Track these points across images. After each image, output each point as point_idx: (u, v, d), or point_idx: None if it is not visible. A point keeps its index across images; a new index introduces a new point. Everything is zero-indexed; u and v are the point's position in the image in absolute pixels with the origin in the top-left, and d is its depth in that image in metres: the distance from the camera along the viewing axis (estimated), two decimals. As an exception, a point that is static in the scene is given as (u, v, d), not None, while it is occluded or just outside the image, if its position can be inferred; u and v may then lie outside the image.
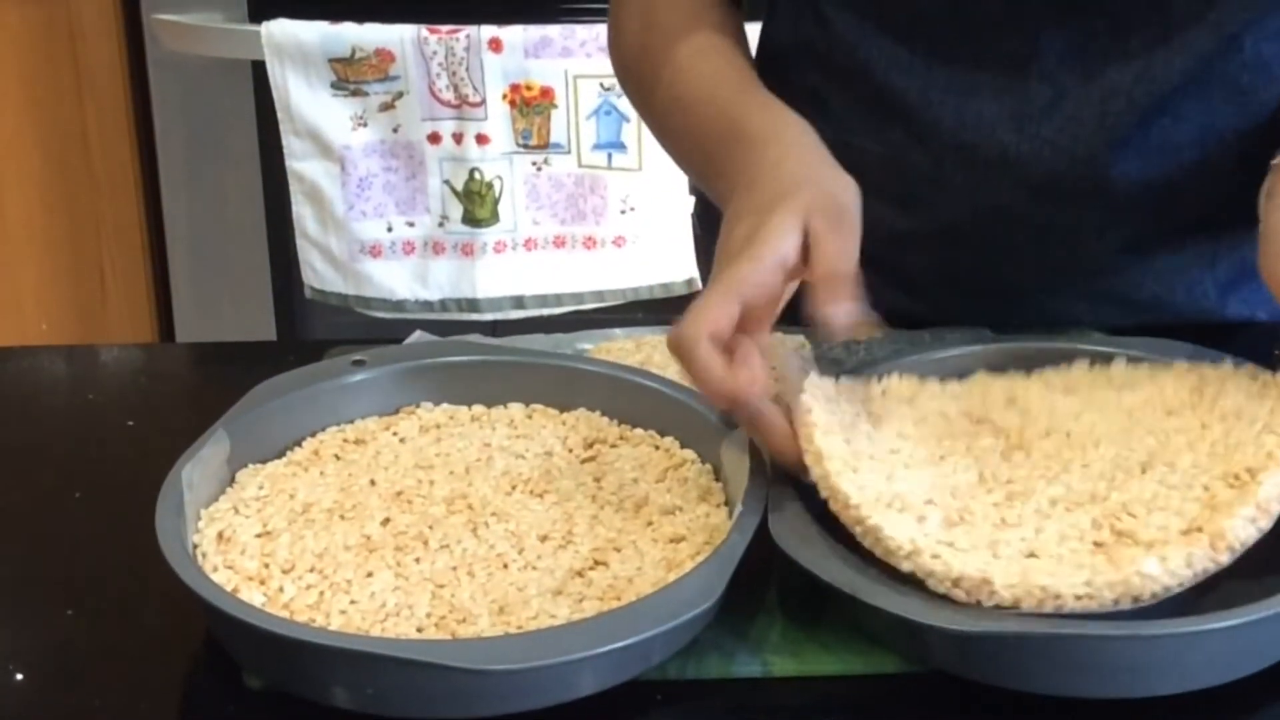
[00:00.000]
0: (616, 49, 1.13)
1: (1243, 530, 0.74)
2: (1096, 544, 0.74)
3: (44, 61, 2.18)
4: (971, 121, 1.02)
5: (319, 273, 2.01)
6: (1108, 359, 0.90)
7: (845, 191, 0.86)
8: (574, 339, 1.04)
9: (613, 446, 0.89)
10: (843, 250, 0.81)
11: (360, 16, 1.92)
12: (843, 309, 0.79)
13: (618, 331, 1.05)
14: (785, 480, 0.82)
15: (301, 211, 1.98)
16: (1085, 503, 0.78)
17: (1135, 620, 0.72)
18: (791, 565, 0.76)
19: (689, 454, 0.88)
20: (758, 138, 0.93)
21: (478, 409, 0.93)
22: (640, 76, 1.09)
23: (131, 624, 0.81)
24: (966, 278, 1.08)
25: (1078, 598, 0.71)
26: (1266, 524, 0.75)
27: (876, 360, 0.92)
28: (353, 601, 0.76)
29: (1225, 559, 0.73)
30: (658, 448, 0.89)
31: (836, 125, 1.07)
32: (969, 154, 1.02)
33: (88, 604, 0.82)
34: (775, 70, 1.12)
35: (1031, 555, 0.74)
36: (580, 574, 0.78)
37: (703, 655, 0.76)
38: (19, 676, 0.78)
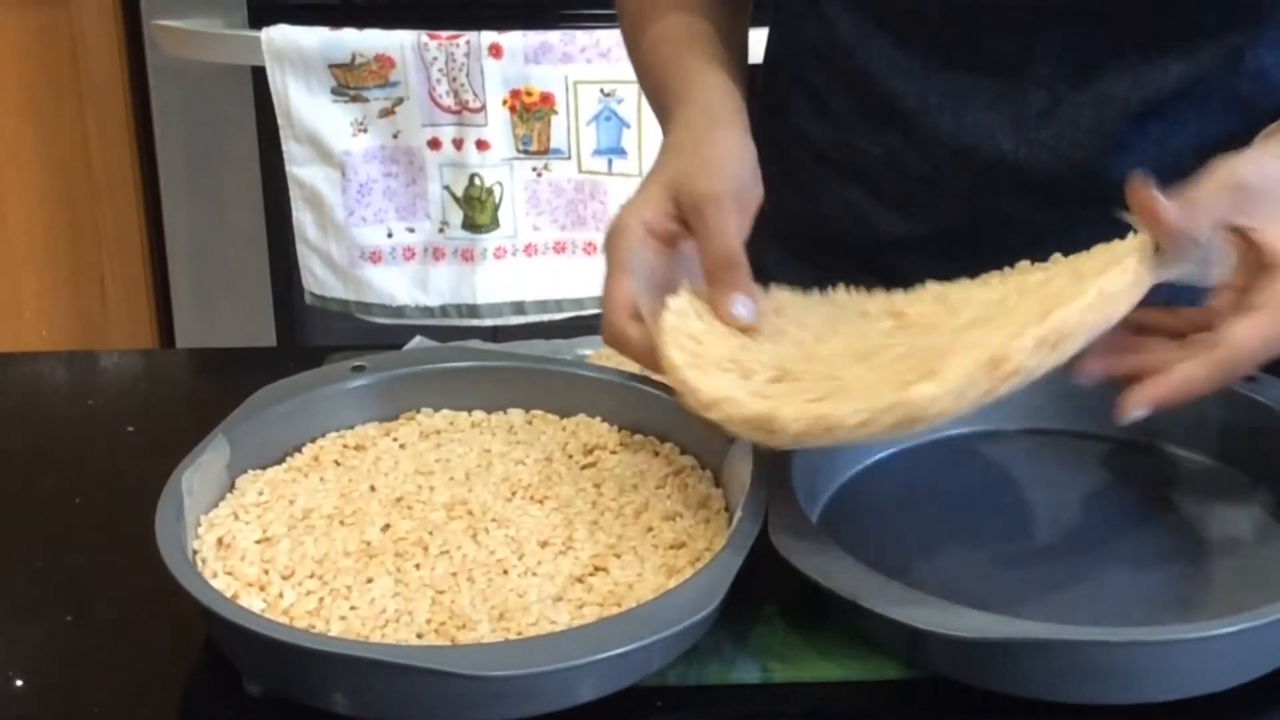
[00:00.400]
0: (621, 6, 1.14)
1: (1029, 357, 0.72)
2: (897, 379, 0.74)
3: (44, 67, 2.18)
4: (969, 126, 1.02)
5: (319, 278, 2.01)
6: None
7: (714, 179, 0.88)
8: (574, 345, 1.04)
9: (613, 453, 0.89)
10: (714, 238, 0.86)
11: (360, 22, 1.92)
12: (731, 299, 0.85)
13: (618, 337, 1.05)
14: (785, 486, 0.82)
15: (302, 217, 1.98)
16: (904, 356, 0.78)
17: (1136, 627, 0.72)
18: (792, 571, 0.76)
19: (689, 460, 0.88)
20: (676, 109, 0.97)
21: (478, 415, 0.93)
22: (633, 41, 1.10)
23: (131, 630, 0.81)
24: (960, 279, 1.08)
25: (858, 425, 0.71)
26: (1052, 357, 0.73)
27: None
28: (353, 607, 0.76)
29: (1005, 387, 0.72)
30: (658, 454, 0.89)
31: (839, 126, 1.07)
32: (966, 158, 1.03)
33: (87, 610, 0.82)
34: (781, 71, 1.12)
35: (828, 397, 0.75)
36: (580, 580, 0.78)
37: (703, 661, 0.76)
38: (19, 683, 0.78)
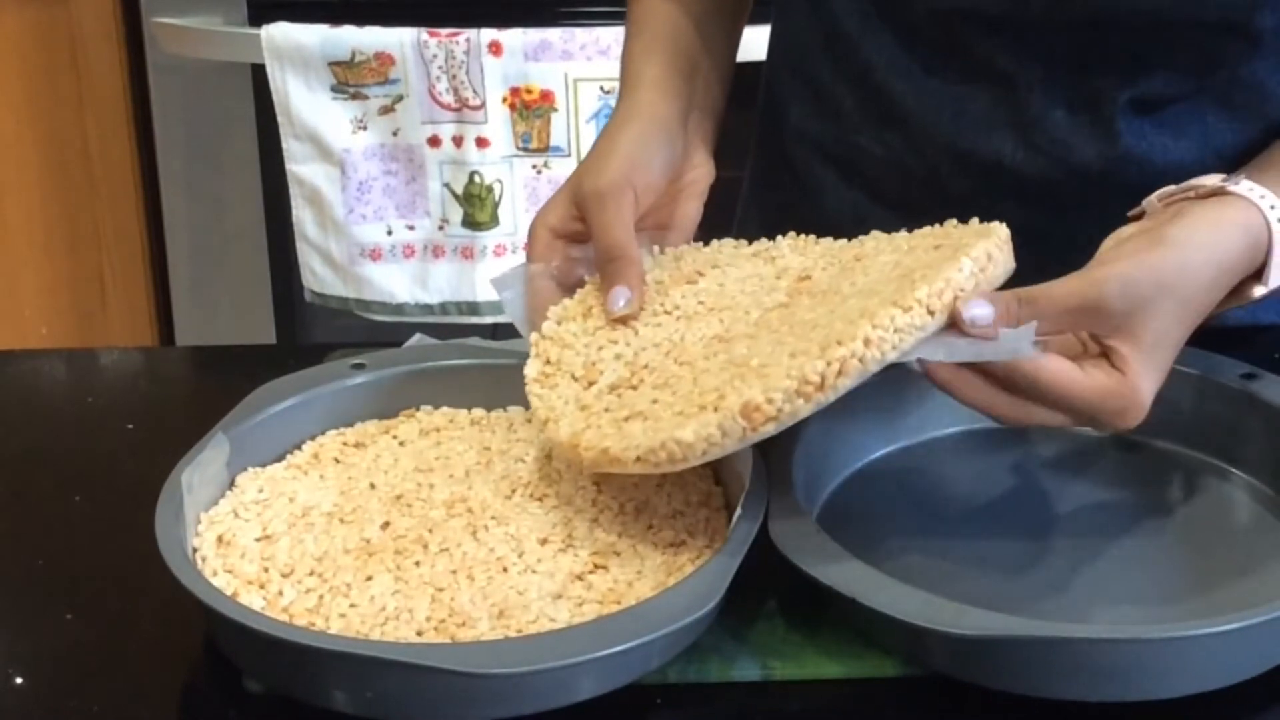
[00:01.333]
0: None
1: (783, 406, 0.74)
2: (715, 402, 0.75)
3: (44, 65, 2.18)
4: (967, 129, 1.02)
5: (319, 276, 2.01)
6: None
7: (600, 176, 0.91)
8: (574, 342, 1.04)
9: (612, 450, 0.89)
10: (600, 233, 0.89)
11: (360, 20, 1.92)
12: (612, 294, 0.87)
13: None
14: (785, 484, 0.82)
15: (301, 215, 1.98)
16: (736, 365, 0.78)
17: (1135, 625, 0.72)
18: (791, 569, 0.76)
19: (689, 457, 0.88)
20: (619, 95, 1.01)
21: (477, 412, 0.93)
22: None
23: (131, 627, 0.81)
24: None
25: (635, 461, 0.75)
26: (811, 404, 0.74)
27: None
28: (352, 605, 0.76)
29: (762, 433, 0.74)
30: (658, 451, 0.89)
31: (841, 125, 1.07)
32: (964, 160, 1.03)
33: (87, 607, 0.82)
34: (783, 69, 1.12)
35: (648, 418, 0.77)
36: (580, 578, 0.78)
37: (703, 659, 0.76)
38: (18, 680, 0.78)
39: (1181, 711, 0.72)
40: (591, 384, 0.83)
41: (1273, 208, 0.86)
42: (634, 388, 0.82)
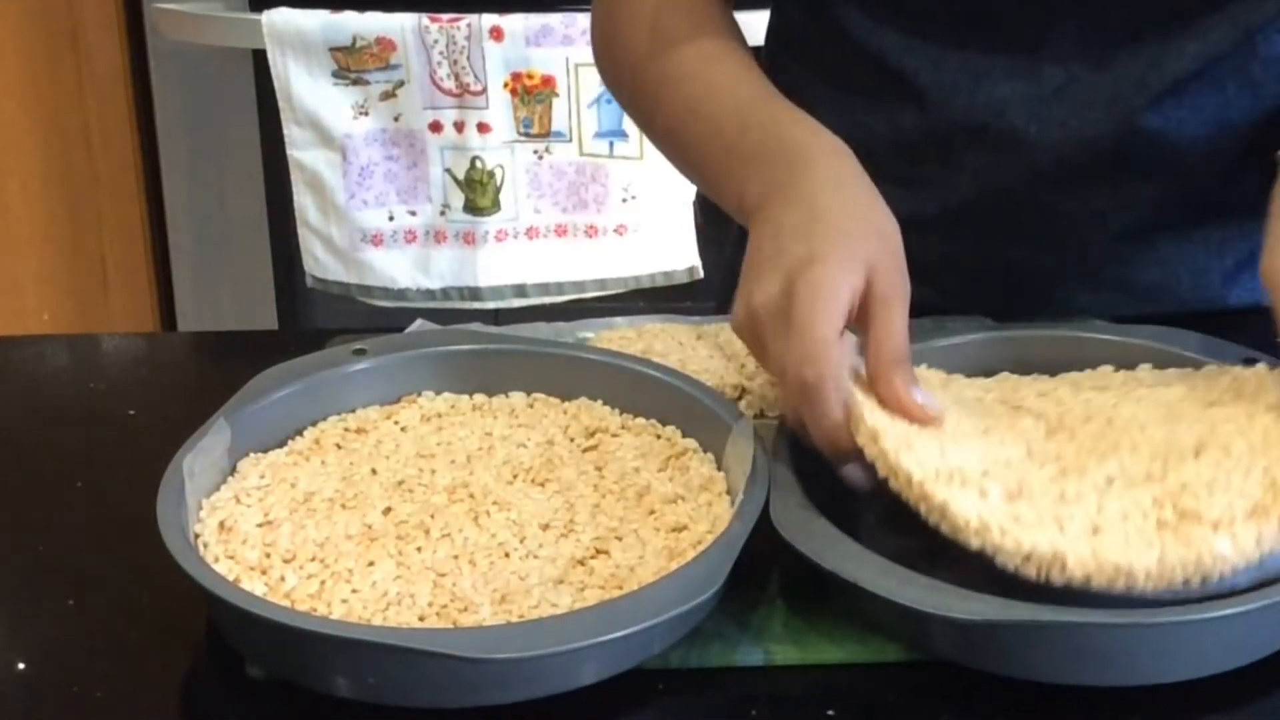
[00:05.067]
0: (614, 44, 1.11)
1: None
2: (1160, 522, 0.74)
3: (45, 51, 2.18)
4: (982, 103, 1.02)
5: (320, 262, 2.01)
6: (1131, 364, 0.90)
7: (896, 233, 0.85)
8: (575, 327, 1.04)
9: (614, 436, 0.89)
10: (900, 328, 0.81)
11: (361, 5, 1.91)
12: (912, 390, 0.80)
13: (619, 320, 1.05)
14: (788, 469, 0.81)
15: (303, 200, 1.98)
16: (1142, 482, 0.77)
17: (1138, 609, 0.72)
18: (794, 554, 0.76)
19: (691, 443, 0.88)
20: (798, 151, 0.91)
21: (479, 398, 0.93)
22: (643, 75, 1.07)
23: (133, 614, 0.81)
24: (969, 263, 1.07)
25: (1148, 576, 0.71)
26: None
27: None
28: (354, 591, 0.76)
29: None
30: (659, 437, 0.89)
31: (848, 106, 1.07)
32: (979, 135, 1.02)
33: (89, 594, 0.82)
34: (787, 50, 1.12)
35: (1096, 531, 0.74)
36: (582, 563, 0.78)
37: (705, 644, 0.76)
38: (21, 666, 0.78)
39: (1184, 696, 0.72)
40: (983, 494, 0.77)
41: None
42: (1025, 498, 0.77)
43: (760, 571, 0.79)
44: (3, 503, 0.92)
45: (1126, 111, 1.00)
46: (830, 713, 0.73)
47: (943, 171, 1.04)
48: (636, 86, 1.08)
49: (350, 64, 1.92)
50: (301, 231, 2.00)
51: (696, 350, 0.99)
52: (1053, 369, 0.93)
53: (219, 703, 0.76)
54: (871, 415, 0.78)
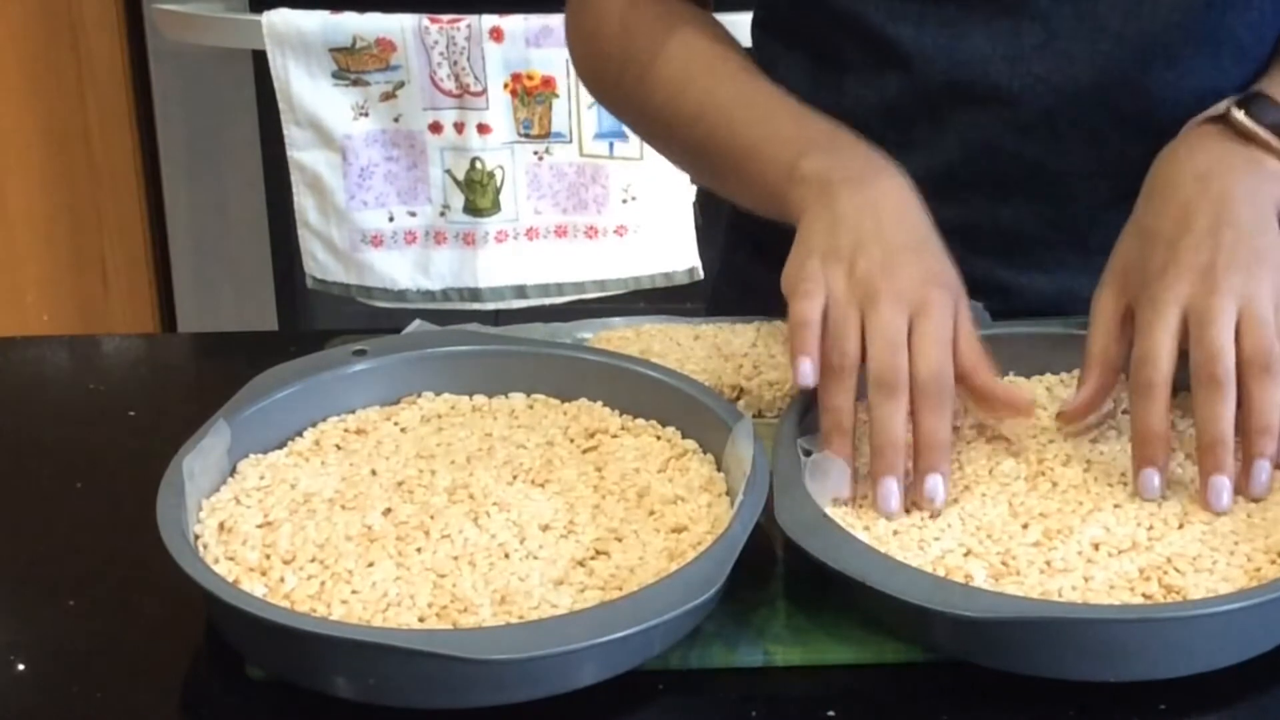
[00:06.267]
0: (592, 38, 1.13)
1: None
2: (1146, 596, 0.75)
3: (44, 51, 2.18)
4: (963, 59, 1.03)
5: (320, 262, 2.01)
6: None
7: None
8: (573, 328, 1.04)
9: (614, 436, 0.89)
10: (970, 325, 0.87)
11: (361, 6, 1.91)
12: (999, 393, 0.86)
13: (616, 320, 1.05)
14: (791, 468, 0.81)
15: (303, 201, 1.98)
16: (1128, 549, 0.78)
17: (1143, 605, 0.72)
18: (795, 553, 0.76)
19: (691, 444, 0.88)
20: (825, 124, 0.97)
21: (479, 399, 0.93)
22: (624, 63, 1.09)
23: (133, 615, 0.81)
24: (960, 224, 1.08)
25: None
26: None
27: None
28: (354, 591, 0.76)
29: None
30: (659, 438, 0.89)
31: (836, 81, 1.07)
32: (963, 92, 1.04)
33: (89, 595, 0.82)
34: (774, 36, 1.12)
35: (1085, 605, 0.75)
36: (582, 563, 0.78)
37: (705, 644, 0.76)
38: (21, 667, 0.78)
39: (1189, 690, 0.72)
40: (968, 578, 0.77)
41: None
42: (1008, 570, 0.78)
43: (761, 572, 0.79)
44: (3, 503, 0.92)
45: (1106, 67, 1.01)
46: (830, 713, 0.73)
47: (931, 133, 1.05)
48: (618, 69, 1.09)
49: (350, 65, 1.92)
50: (301, 232, 2.00)
51: (694, 351, 0.99)
52: (1042, 369, 0.94)
53: (218, 704, 0.76)
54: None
